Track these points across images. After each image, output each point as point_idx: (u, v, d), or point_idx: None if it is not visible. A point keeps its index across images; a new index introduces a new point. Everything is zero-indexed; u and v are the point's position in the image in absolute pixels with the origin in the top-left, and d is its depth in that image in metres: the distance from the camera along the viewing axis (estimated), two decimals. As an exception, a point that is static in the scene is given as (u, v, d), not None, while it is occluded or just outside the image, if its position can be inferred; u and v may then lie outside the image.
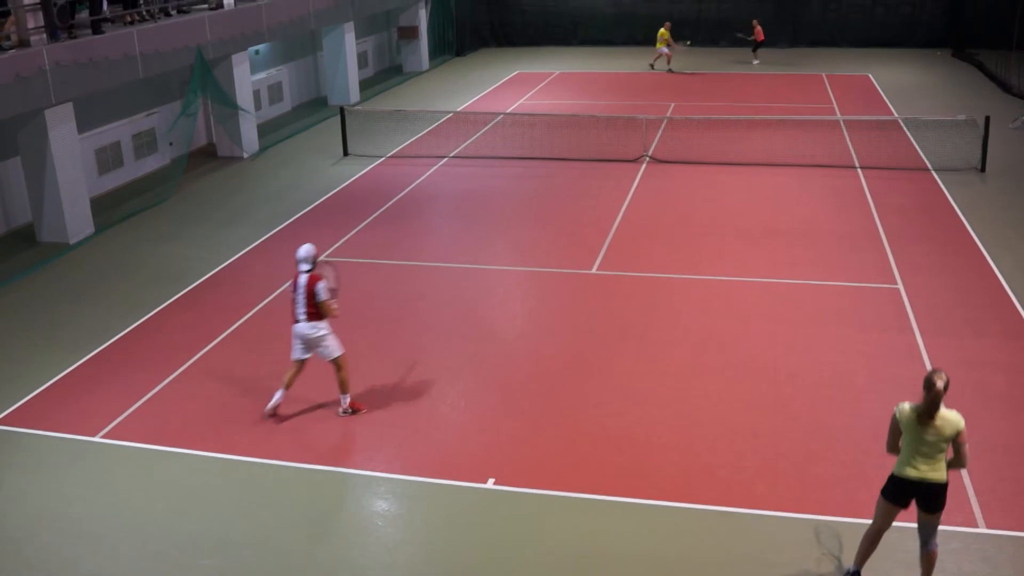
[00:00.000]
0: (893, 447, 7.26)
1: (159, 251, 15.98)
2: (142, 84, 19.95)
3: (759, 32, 33.10)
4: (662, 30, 31.86)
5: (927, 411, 6.98)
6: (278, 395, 10.45)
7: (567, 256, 15.12)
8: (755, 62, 33.11)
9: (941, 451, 7.05)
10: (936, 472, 7.08)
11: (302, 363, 10.44)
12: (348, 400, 10.53)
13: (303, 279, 10.11)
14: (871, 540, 7.51)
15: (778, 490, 8.92)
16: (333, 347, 10.28)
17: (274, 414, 10.47)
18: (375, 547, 8.38)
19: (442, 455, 9.68)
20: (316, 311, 10.09)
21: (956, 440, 7.04)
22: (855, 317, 12.62)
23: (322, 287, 10.02)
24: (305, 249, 10.19)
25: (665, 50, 31.77)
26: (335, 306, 10.18)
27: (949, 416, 7.04)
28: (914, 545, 7.71)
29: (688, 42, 34.80)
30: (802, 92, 28.23)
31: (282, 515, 8.79)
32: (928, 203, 17.39)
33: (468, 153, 21.75)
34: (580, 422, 10.23)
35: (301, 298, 10.10)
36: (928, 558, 7.41)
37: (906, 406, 7.14)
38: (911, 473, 7.10)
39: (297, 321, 10.20)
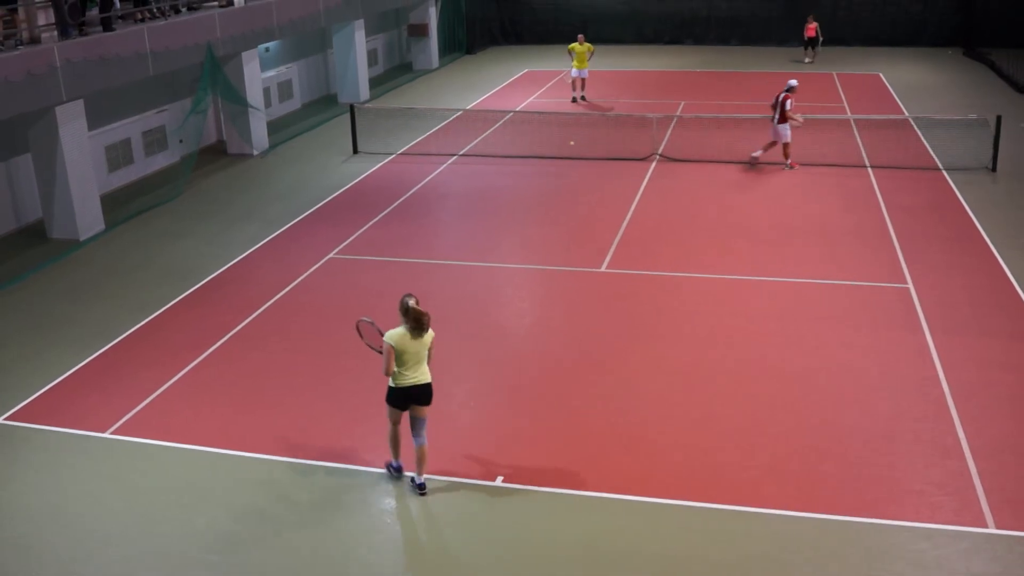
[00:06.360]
0: (390, 371, 8.70)
1: (169, 248, 16.02)
2: (152, 81, 19.98)
3: (810, 29, 33.03)
4: (587, 45, 26.42)
5: (417, 329, 8.57)
6: (758, 153, 19.66)
7: (576, 254, 15.11)
8: (807, 60, 33.15)
9: (424, 359, 8.77)
10: (426, 375, 8.81)
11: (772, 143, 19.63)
12: (791, 160, 19.58)
13: (782, 96, 19.10)
14: (396, 438, 9.10)
15: (787, 489, 8.90)
16: (787, 136, 19.29)
17: (756, 162, 19.68)
18: (384, 544, 8.39)
19: (451, 453, 9.68)
20: (784, 117, 19.02)
21: (430, 348, 8.82)
22: (864, 316, 12.58)
23: (790, 102, 19.00)
24: (794, 80, 19.70)
25: (584, 73, 26.53)
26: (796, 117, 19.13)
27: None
28: (925, 545, 7.80)
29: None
30: (813, 91, 28.12)
31: (291, 512, 8.81)
32: (939, 203, 17.33)
33: (478, 151, 21.75)
34: (589, 420, 10.23)
35: (778, 108, 19.01)
36: (422, 451, 8.98)
37: (396, 333, 8.61)
38: (412, 381, 8.71)
39: (776, 121, 19.25)
